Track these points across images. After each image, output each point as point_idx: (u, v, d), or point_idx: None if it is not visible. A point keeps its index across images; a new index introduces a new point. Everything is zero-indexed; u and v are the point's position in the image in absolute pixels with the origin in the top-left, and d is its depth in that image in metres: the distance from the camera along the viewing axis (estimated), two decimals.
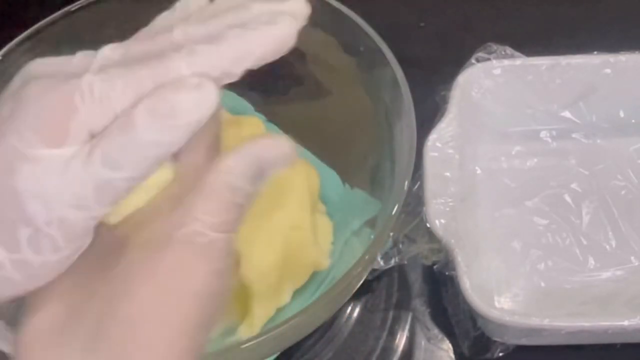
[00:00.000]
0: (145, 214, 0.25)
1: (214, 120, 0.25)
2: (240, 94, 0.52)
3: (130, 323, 0.23)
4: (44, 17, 0.48)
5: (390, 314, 0.51)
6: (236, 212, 0.25)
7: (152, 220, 0.25)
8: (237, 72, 0.24)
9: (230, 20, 0.25)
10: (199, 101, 0.23)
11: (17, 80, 0.24)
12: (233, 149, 0.26)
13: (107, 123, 0.22)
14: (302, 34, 0.25)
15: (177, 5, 0.27)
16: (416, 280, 0.52)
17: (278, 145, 0.26)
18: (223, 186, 0.25)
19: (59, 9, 0.49)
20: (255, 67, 0.24)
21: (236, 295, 0.44)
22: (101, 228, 0.25)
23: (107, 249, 0.25)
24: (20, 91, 0.23)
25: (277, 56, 0.25)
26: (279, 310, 0.46)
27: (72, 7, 0.49)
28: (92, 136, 0.23)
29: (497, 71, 0.53)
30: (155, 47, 0.24)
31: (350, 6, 0.47)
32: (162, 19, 0.27)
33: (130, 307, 0.23)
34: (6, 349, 0.36)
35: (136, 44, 0.25)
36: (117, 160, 0.22)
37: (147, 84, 0.23)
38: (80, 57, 0.24)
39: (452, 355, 0.49)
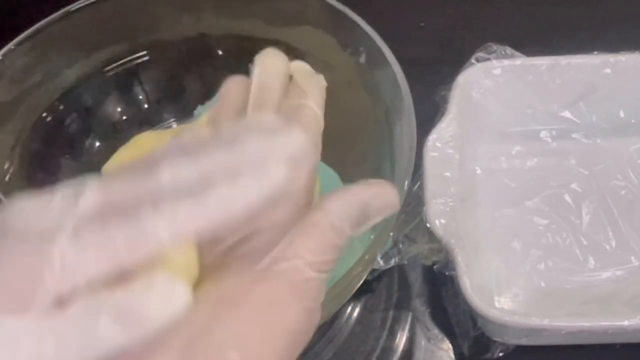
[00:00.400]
0: (241, 238, 0.25)
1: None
2: None
3: (220, 349, 0.23)
4: (44, 17, 0.48)
5: (390, 314, 0.51)
6: (335, 253, 0.25)
7: (249, 246, 0.25)
8: (214, 231, 0.23)
9: (221, 160, 0.23)
10: (166, 306, 0.22)
11: None
12: (342, 189, 0.26)
13: (76, 289, 0.21)
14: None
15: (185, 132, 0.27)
16: (416, 280, 0.52)
17: (387, 195, 0.27)
18: (328, 227, 0.25)
19: (59, 9, 0.49)
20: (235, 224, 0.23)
21: None
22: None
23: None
24: None
25: (262, 208, 0.23)
26: None
27: (72, 7, 0.49)
28: (58, 300, 0.21)
29: (497, 71, 0.53)
30: (137, 193, 0.23)
31: (350, 6, 0.47)
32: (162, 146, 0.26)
33: (222, 334, 0.23)
34: None
35: (119, 186, 0.23)
36: (71, 349, 0.21)
37: (122, 249, 0.22)
38: (60, 203, 0.23)
39: (452, 355, 0.49)
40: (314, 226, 0.25)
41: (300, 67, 0.34)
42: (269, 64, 0.32)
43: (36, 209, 0.23)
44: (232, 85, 0.32)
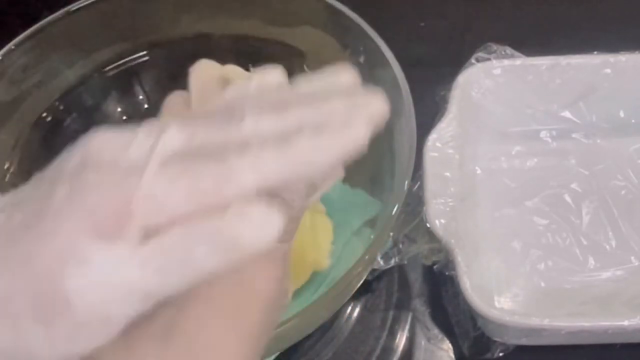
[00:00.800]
0: None
1: None
2: None
3: (201, 322, 0.24)
4: (44, 17, 0.48)
5: (390, 314, 0.51)
6: (293, 224, 0.26)
7: None
8: (298, 180, 0.24)
9: (305, 115, 0.24)
10: (261, 234, 0.22)
11: (76, 156, 0.24)
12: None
13: (164, 223, 0.22)
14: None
15: (255, 76, 0.27)
16: (416, 280, 0.52)
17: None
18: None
19: (59, 9, 0.49)
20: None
21: None
22: None
23: None
24: (78, 176, 0.23)
25: (344, 162, 0.25)
26: None
27: (72, 7, 0.49)
28: (147, 233, 0.22)
29: (497, 71, 0.53)
30: (222, 138, 0.23)
31: (350, 6, 0.47)
32: (237, 91, 0.27)
33: (200, 307, 0.24)
34: None
35: (203, 129, 0.24)
36: (170, 275, 0.22)
37: (209, 188, 0.22)
38: (144, 138, 0.23)
39: (452, 355, 0.49)
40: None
41: (232, 69, 0.33)
42: (203, 72, 0.32)
43: (121, 142, 0.23)
44: (174, 99, 0.32)
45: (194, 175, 0.22)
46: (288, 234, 0.25)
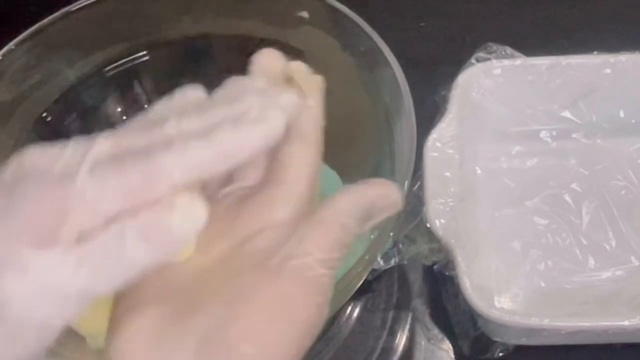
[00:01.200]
0: (253, 237, 0.26)
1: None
2: None
3: (236, 344, 0.24)
4: (44, 17, 0.48)
5: (390, 314, 0.51)
6: (343, 250, 0.26)
7: (261, 244, 0.26)
8: (222, 169, 0.25)
9: (223, 113, 0.25)
10: (188, 221, 0.23)
11: (10, 171, 0.24)
12: (349, 189, 0.27)
13: (97, 223, 0.23)
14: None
15: (175, 94, 0.28)
16: (416, 280, 0.52)
17: (391, 194, 0.28)
18: (336, 225, 0.26)
19: (59, 9, 0.49)
20: (239, 165, 0.25)
21: None
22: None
23: (207, 263, 0.26)
24: (13, 188, 0.24)
25: (263, 151, 0.26)
26: None
27: (72, 7, 0.49)
28: (81, 236, 0.23)
29: (497, 71, 0.53)
30: (147, 141, 0.25)
31: (350, 6, 0.47)
32: (159, 108, 0.28)
33: (237, 328, 0.24)
34: None
35: (129, 136, 0.25)
36: (104, 274, 0.23)
37: (138, 185, 0.23)
38: (73, 149, 0.24)
39: (452, 355, 0.49)
40: (323, 224, 0.26)
41: (298, 67, 0.34)
42: (266, 63, 0.33)
43: (52, 154, 0.24)
44: (233, 82, 0.33)
45: (123, 174, 0.23)
46: (336, 261, 0.26)
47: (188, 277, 0.26)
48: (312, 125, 0.30)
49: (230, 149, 0.24)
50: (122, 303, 0.25)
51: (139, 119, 0.27)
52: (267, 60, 0.33)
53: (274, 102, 0.26)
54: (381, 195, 0.28)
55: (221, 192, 0.28)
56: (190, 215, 0.24)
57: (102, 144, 0.24)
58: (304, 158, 0.29)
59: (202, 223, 0.24)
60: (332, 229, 0.26)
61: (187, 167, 0.24)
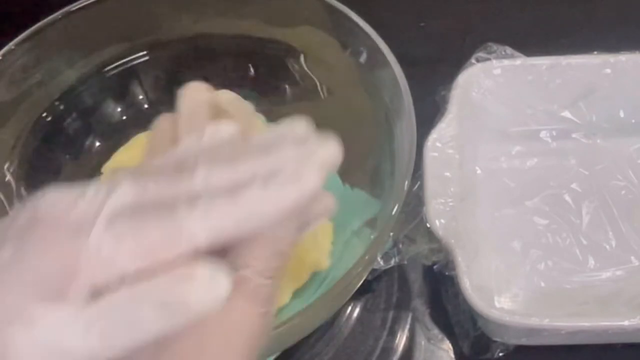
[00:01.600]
0: None
1: None
2: (240, 94, 0.52)
3: (184, 358, 0.23)
4: (44, 17, 0.48)
5: (390, 314, 0.51)
6: (282, 259, 0.26)
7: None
8: (249, 231, 0.24)
9: (256, 166, 0.24)
10: (208, 296, 0.22)
11: (24, 216, 0.23)
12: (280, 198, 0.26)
13: (113, 281, 0.22)
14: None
15: (207, 130, 0.27)
16: (416, 280, 0.52)
17: (323, 200, 0.28)
18: (271, 236, 0.25)
19: (59, 9, 0.49)
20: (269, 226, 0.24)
21: None
22: None
23: None
24: (25, 235, 0.23)
25: (297, 211, 0.25)
26: (279, 310, 0.46)
27: (72, 7, 0.49)
28: (94, 291, 0.22)
29: (497, 71, 0.53)
30: (173, 192, 0.23)
31: (350, 6, 0.47)
32: (190, 144, 0.27)
33: (182, 345, 0.23)
34: None
35: (153, 185, 0.24)
36: (115, 338, 0.22)
37: (158, 245, 0.22)
38: (93, 196, 0.23)
39: (452, 355, 0.49)
40: (258, 236, 0.25)
41: (225, 96, 0.34)
42: (193, 96, 0.32)
43: (70, 200, 0.23)
44: (162, 122, 0.32)
45: (142, 232, 0.22)
46: (275, 270, 0.25)
47: None
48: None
49: (259, 211, 0.24)
50: None
51: (169, 157, 0.26)
52: (193, 92, 0.32)
53: (311, 158, 0.25)
54: (315, 203, 0.27)
55: None
56: (211, 289, 0.22)
57: (124, 193, 0.23)
58: None
59: (223, 298, 0.22)
60: (267, 240, 0.25)
61: (212, 229, 0.23)
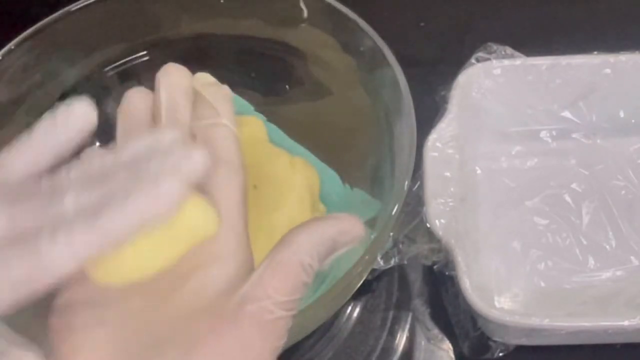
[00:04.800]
0: (197, 272, 0.25)
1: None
2: (240, 94, 0.52)
3: None
4: (44, 17, 0.48)
5: (390, 314, 0.51)
6: (303, 291, 0.25)
7: (209, 280, 0.25)
8: (113, 248, 0.24)
9: (121, 182, 0.24)
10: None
11: None
12: (307, 225, 0.26)
13: None
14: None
15: (82, 155, 0.27)
16: (416, 280, 0.52)
17: (354, 229, 0.27)
18: (297, 265, 0.25)
19: (59, 9, 0.49)
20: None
21: None
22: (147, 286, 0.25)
23: (152, 302, 0.25)
24: None
25: (161, 221, 0.24)
26: None
27: (72, 7, 0.49)
28: None
29: (497, 71, 0.53)
30: (42, 218, 0.24)
31: (350, 6, 0.47)
32: (65, 171, 0.27)
33: None
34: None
35: (24, 213, 0.24)
36: None
37: (23, 282, 0.23)
38: None
39: (452, 355, 0.49)
40: (283, 264, 0.25)
41: (203, 79, 0.33)
42: (174, 82, 0.31)
43: None
44: (136, 99, 0.31)
45: (5, 268, 0.23)
46: (296, 302, 0.25)
47: (134, 308, 0.25)
48: (230, 146, 0.29)
49: (118, 229, 0.23)
50: (66, 314, 0.25)
51: (44, 184, 0.26)
52: (174, 77, 0.31)
53: (172, 169, 0.24)
54: (343, 231, 0.27)
55: None
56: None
57: None
58: (231, 185, 0.27)
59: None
60: (292, 270, 0.25)
61: (75, 255, 0.23)
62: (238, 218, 0.27)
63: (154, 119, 0.31)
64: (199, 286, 0.25)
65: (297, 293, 0.25)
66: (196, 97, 0.31)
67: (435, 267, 0.48)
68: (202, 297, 0.25)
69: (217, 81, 0.34)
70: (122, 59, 0.52)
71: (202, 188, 0.27)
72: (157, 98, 0.31)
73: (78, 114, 0.27)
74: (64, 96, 0.51)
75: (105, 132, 0.54)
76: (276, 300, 0.24)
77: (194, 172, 0.25)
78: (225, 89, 0.33)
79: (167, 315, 0.25)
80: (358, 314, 0.51)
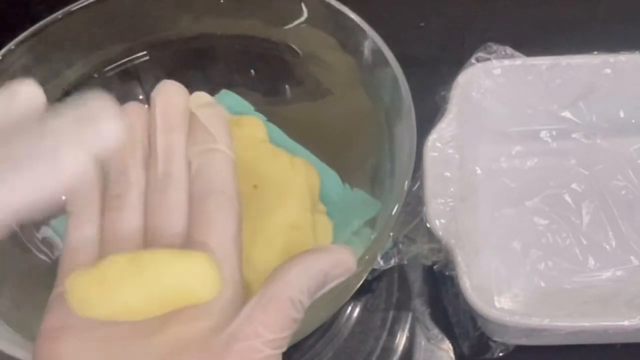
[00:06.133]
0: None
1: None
2: (240, 94, 0.52)
3: None
4: (44, 17, 0.48)
5: (390, 314, 0.51)
6: (293, 327, 0.25)
7: (198, 313, 0.25)
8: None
9: (29, 144, 0.24)
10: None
11: None
12: (298, 260, 0.25)
13: None
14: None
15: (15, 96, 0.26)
16: (416, 280, 0.52)
17: (346, 261, 0.27)
18: (287, 302, 0.24)
19: (59, 9, 0.49)
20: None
21: None
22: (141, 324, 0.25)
23: (140, 331, 0.25)
24: None
25: (61, 193, 0.24)
26: None
27: (72, 7, 0.49)
28: None
29: (497, 71, 0.53)
30: None
31: (350, 6, 0.47)
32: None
33: None
34: (9, 351, 0.36)
35: None
36: None
37: None
38: None
39: (452, 355, 0.49)
40: (273, 301, 0.24)
41: (200, 99, 0.32)
42: (170, 102, 0.31)
43: None
44: (132, 116, 0.31)
45: None
46: (285, 340, 0.25)
47: (120, 336, 0.24)
48: (225, 174, 0.29)
49: (9, 199, 0.23)
50: (51, 339, 0.25)
51: None
52: (171, 97, 0.31)
53: (78, 140, 0.24)
54: (335, 265, 0.26)
55: None
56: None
57: None
58: (225, 217, 0.27)
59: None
60: (282, 308, 0.24)
61: None
62: (231, 252, 0.26)
63: (150, 139, 0.30)
64: (188, 319, 0.25)
65: (287, 330, 0.25)
66: (192, 120, 0.31)
67: (435, 267, 0.48)
68: (192, 330, 0.24)
69: (213, 100, 0.33)
70: (122, 59, 0.52)
71: (195, 213, 0.27)
72: (152, 119, 0.30)
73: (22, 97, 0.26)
74: (64, 96, 0.51)
75: None
76: (266, 339, 0.24)
77: (99, 146, 0.24)
78: (221, 109, 0.32)
79: (155, 346, 0.24)
80: (358, 314, 0.51)
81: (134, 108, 0.32)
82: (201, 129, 0.30)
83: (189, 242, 0.27)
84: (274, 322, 0.24)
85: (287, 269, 0.25)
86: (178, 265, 0.25)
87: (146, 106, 0.33)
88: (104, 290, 0.25)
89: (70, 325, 0.25)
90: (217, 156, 0.29)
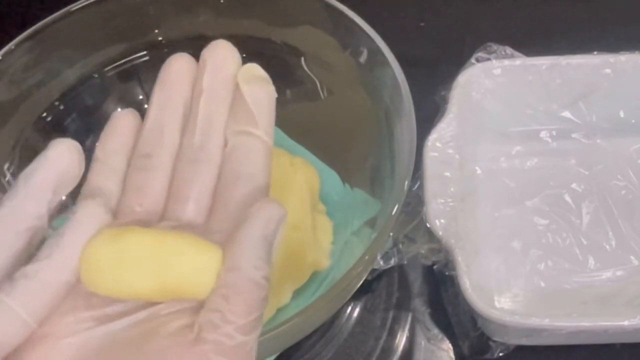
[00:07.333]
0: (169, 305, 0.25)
1: None
2: None
3: None
4: (44, 17, 0.48)
5: (390, 314, 0.51)
6: (262, 306, 0.25)
7: (179, 314, 0.25)
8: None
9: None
10: None
11: None
12: (238, 236, 0.25)
13: None
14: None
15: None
16: (416, 280, 0.52)
17: (273, 215, 0.26)
18: (247, 284, 0.24)
19: (59, 9, 0.49)
20: None
21: None
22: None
23: (126, 332, 0.25)
24: None
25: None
26: (279, 310, 0.46)
27: (72, 7, 0.49)
28: None
29: (497, 71, 0.53)
30: None
31: (350, 6, 0.47)
32: None
33: None
34: None
35: None
36: None
37: None
38: None
39: (452, 355, 0.49)
40: (234, 288, 0.24)
41: (252, 71, 0.30)
42: (220, 65, 0.30)
43: None
44: (179, 66, 0.30)
45: None
46: (257, 322, 0.24)
47: (96, 335, 0.25)
48: (260, 162, 0.28)
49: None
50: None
51: None
52: (220, 60, 0.30)
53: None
54: (267, 222, 0.26)
55: (160, 224, 0.27)
56: None
57: None
58: (246, 209, 0.26)
59: None
60: (244, 290, 0.24)
61: None
62: (254, 244, 0.26)
63: (193, 101, 0.29)
64: (173, 312, 0.25)
65: (256, 310, 0.24)
66: (237, 94, 0.29)
67: (435, 267, 0.48)
68: (168, 324, 0.24)
69: (266, 76, 0.31)
70: (122, 59, 0.52)
71: (221, 199, 0.26)
72: (199, 81, 0.29)
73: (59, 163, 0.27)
74: (64, 96, 0.51)
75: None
76: (236, 325, 0.24)
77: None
78: (271, 89, 0.30)
79: (131, 340, 0.24)
80: (358, 314, 0.51)
81: (183, 62, 0.31)
82: (244, 108, 0.29)
83: (207, 228, 0.27)
84: (241, 307, 0.24)
85: (232, 256, 0.25)
86: (196, 259, 0.25)
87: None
88: (120, 272, 0.25)
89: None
90: (254, 143, 0.28)
